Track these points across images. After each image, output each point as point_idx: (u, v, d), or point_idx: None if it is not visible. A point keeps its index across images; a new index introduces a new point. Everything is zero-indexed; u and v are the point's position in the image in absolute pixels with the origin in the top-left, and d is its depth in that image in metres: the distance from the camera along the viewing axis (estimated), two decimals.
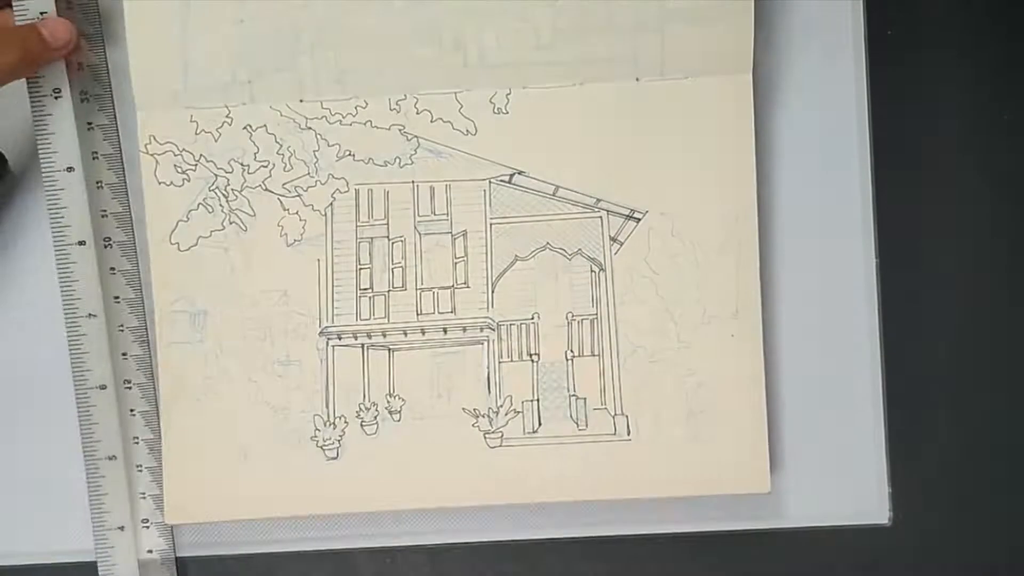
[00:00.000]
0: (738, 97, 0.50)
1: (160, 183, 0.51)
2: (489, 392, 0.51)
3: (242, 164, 0.51)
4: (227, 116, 0.51)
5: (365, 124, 0.51)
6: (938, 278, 0.52)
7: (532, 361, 0.51)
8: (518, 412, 0.51)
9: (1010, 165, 0.52)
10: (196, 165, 0.51)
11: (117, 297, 0.52)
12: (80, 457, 0.51)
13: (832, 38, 0.52)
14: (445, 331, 0.51)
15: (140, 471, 0.52)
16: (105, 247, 0.51)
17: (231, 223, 0.51)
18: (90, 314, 0.50)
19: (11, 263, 0.53)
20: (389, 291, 0.51)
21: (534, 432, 0.51)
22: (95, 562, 0.51)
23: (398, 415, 0.51)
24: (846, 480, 0.52)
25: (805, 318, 0.52)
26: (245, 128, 0.51)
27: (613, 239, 0.51)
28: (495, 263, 0.51)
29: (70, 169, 0.49)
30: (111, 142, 0.52)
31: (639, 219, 0.51)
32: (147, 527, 0.52)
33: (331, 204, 0.51)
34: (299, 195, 0.51)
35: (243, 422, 0.51)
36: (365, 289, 0.51)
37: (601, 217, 0.51)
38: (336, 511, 0.51)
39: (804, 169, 0.52)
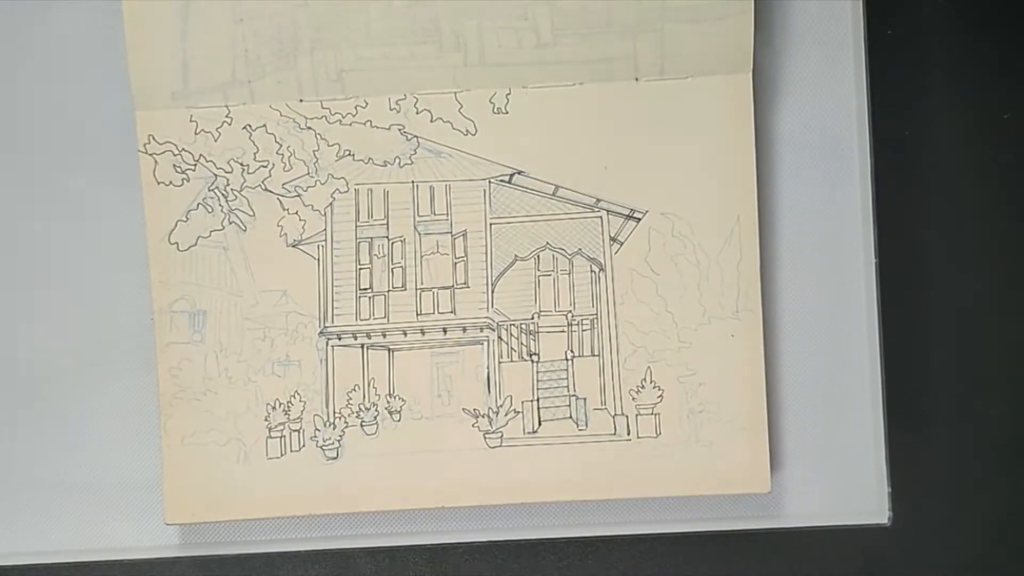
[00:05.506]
0: (738, 97, 0.50)
1: (159, 183, 0.51)
2: (489, 392, 0.51)
3: (241, 164, 0.51)
4: (227, 116, 0.51)
5: (365, 124, 0.51)
6: (938, 278, 0.52)
7: (532, 361, 0.51)
8: (518, 412, 0.51)
9: (1010, 165, 0.52)
10: (195, 165, 0.51)
11: None
12: (75, 457, 0.51)
13: (832, 38, 0.52)
14: (445, 331, 0.51)
15: None
16: None
17: (231, 223, 0.51)
18: None
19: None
20: (389, 291, 0.51)
21: (534, 432, 0.51)
22: (93, 562, 0.52)
23: (398, 415, 0.51)
24: (846, 480, 0.52)
25: (805, 318, 0.52)
26: (245, 128, 0.51)
27: (613, 239, 0.51)
28: (495, 263, 0.51)
29: None
30: None
31: (639, 219, 0.51)
32: None
33: (331, 204, 0.51)
34: (299, 195, 0.51)
35: (243, 422, 0.51)
36: (365, 289, 0.51)
37: (601, 217, 0.51)
38: (336, 511, 0.51)
39: (804, 169, 0.52)
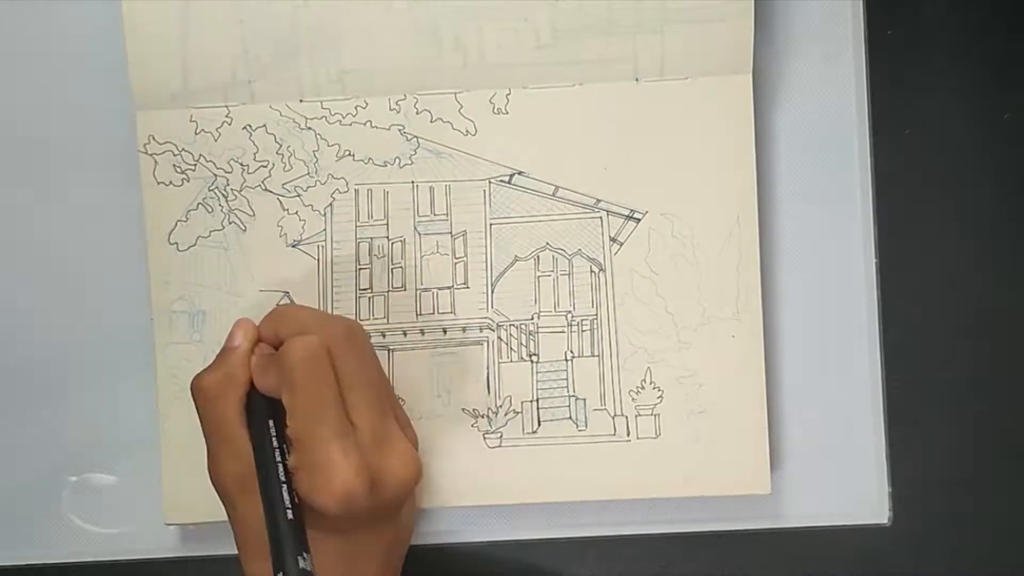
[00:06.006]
0: (738, 97, 0.50)
1: (159, 183, 0.51)
2: (489, 392, 0.51)
3: (241, 164, 0.51)
4: (227, 116, 0.51)
5: (365, 124, 0.51)
6: (938, 278, 0.52)
7: (532, 361, 0.51)
8: (518, 412, 0.51)
9: (1010, 165, 0.52)
10: (195, 165, 0.51)
11: None
12: (75, 457, 0.52)
13: (832, 38, 0.52)
14: (445, 331, 0.51)
15: None
16: None
17: (230, 223, 0.51)
18: None
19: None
20: (389, 291, 0.51)
21: (534, 432, 0.51)
22: (93, 562, 0.52)
23: None
24: (846, 480, 0.52)
25: (805, 318, 0.52)
26: (245, 128, 0.51)
27: (613, 239, 0.51)
28: (495, 263, 0.51)
29: None
30: None
31: (639, 219, 0.51)
32: None
33: (331, 204, 0.51)
34: (299, 195, 0.51)
35: None
36: (364, 289, 0.51)
37: (601, 217, 0.51)
38: None
39: (804, 169, 0.52)
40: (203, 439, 0.47)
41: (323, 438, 0.42)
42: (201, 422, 0.45)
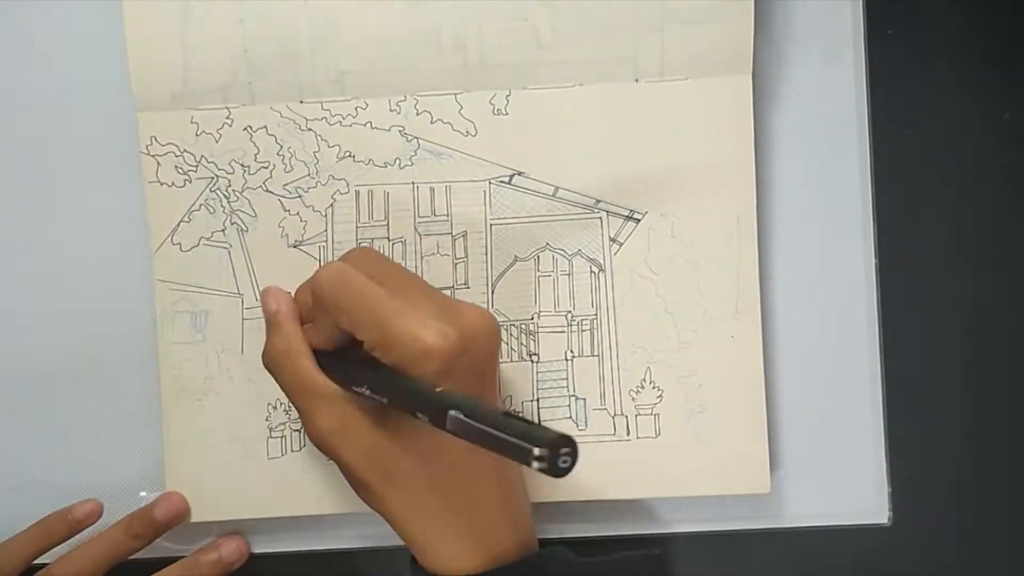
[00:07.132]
0: (738, 97, 0.50)
1: (161, 184, 0.51)
2: None
3: (243, 165, 0.51)
4: (227, 117, 0.51)
5: (365, 125, 0.51)
6: (938, 278, 0.52)
7: (532, 361, 0.51)
8: (518, 412, 0.51)
9: (1010, 165, 0.52)
10: (197, 166, 0.51)
11: None
12: (77, 457, 0.52)
13: (832, 38, 0.52)
14: None
15: None
16: None
17: (232, 224, 0.51)
18: None
19: None
20: None
21: None
22: None
23: None
24: (846, 480, 0.52)
25: (805, 318, 0.52)
26: (246, 129, 0.51)
27: (613, 239, 0.51)
28: (495, 263, 0.51)
29: None
30: None
31: (639, 219, 0.51)
32: None
33: (332, 205, 0.51)
34: (300, 196, 0.51)
35: (244, 422, 0.51)
36: None
37: (601, 217, 0.51)
38: (336, 511, 0.51)
39: (804, 169, 0.52)
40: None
41: (394, 322, 0.43)
42: (285, 391, 0.46)
